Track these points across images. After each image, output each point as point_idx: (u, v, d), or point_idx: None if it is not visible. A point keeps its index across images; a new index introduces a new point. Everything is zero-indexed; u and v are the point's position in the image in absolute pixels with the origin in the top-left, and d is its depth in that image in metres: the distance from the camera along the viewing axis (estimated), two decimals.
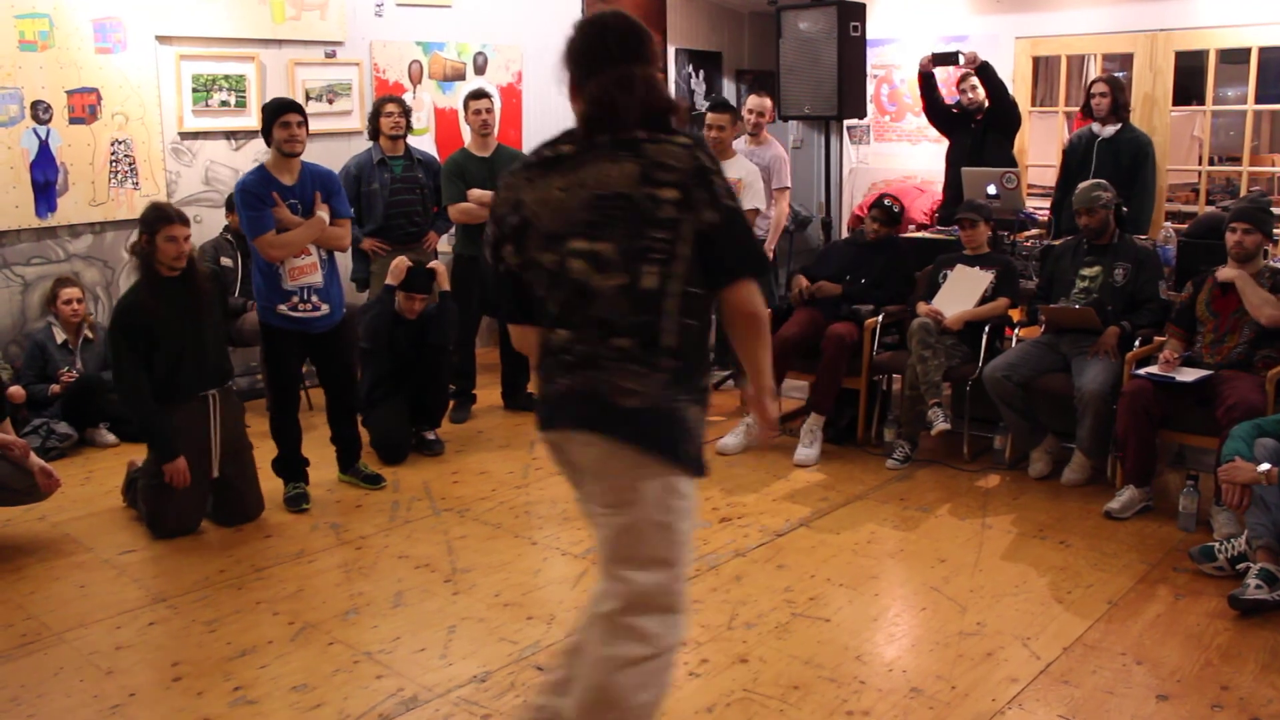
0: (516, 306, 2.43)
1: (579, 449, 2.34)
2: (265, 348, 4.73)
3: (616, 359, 2.24)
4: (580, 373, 2.28)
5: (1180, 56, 7.23)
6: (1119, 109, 5.91)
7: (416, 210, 6.15)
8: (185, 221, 4.29)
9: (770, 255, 6.42)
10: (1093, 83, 6.10)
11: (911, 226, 7.51)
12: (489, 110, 5.87)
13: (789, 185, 6.43)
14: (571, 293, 2.27)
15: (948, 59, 6.57)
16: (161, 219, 4.20)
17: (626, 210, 2.22)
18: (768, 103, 6.50)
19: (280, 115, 4.47)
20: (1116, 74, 7.07)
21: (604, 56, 2.31)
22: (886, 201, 5.67)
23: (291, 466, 4.80)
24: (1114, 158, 5.83)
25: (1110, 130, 5.90)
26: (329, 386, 4.92)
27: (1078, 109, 6.38)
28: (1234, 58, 7.26)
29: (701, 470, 2.33)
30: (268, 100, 4.85)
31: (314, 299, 4.62)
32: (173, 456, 4.27)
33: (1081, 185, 5.10)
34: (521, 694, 3.15)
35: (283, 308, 4.58)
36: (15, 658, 3.43)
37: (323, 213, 4.59)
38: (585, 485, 2.39)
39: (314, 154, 5.54)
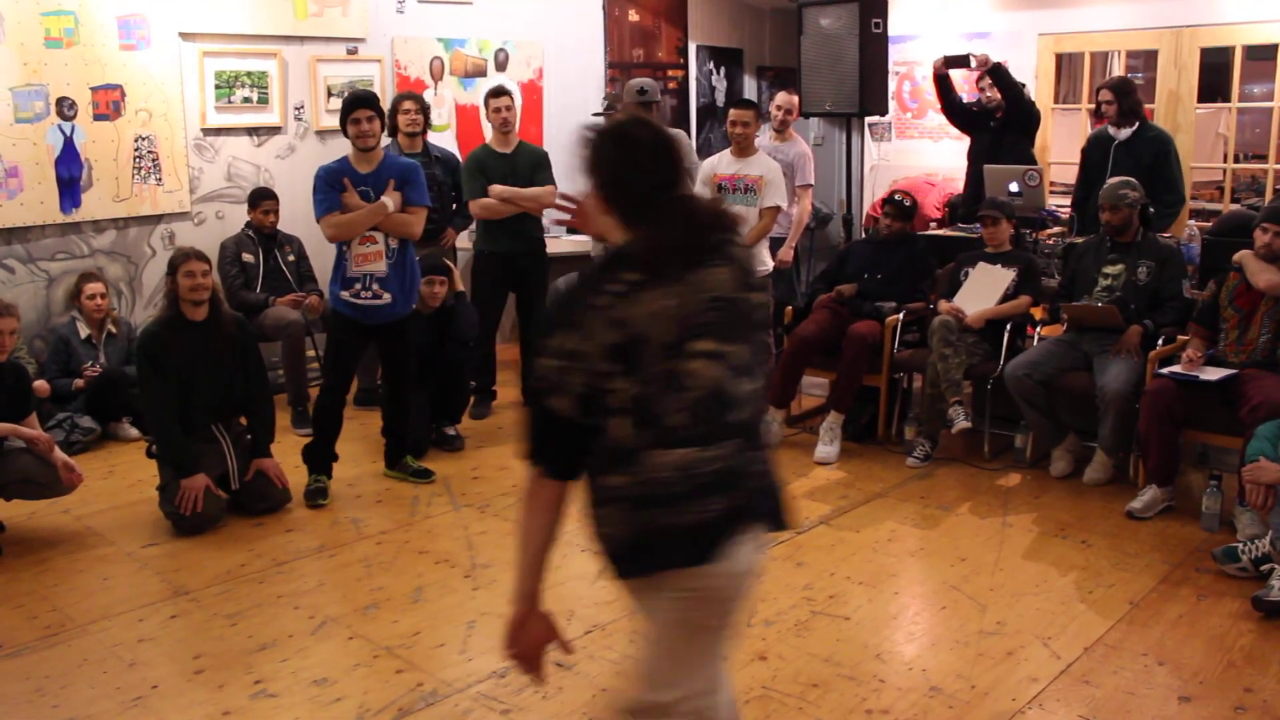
0: (565, 459, 2.09)
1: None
2: (331, 332, 4.85)
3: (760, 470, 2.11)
4: (732, 491, 2.04)
5: (1205, 53, 7.16)
6: (1128, 112, 5.80)
7: (434, 207, 6.15)
8: (204, 259, 4.46)
9: (791, 253, 6.41)
10: (1098, 90, 6.01)
11: (932, 224, 7.48)
12: (509, 108, 5.87)
13: (812, 183, 6.42)
14: (703, 400, 2.03)
15: (960, 62, 6.56)
16: (180, 257, 4.41)
17: (735, 313, 2.09)
18: (795, 100, 6.49)
19: (351, 111, 4.54)
20: (1127, 76, 6.99)
21: (649, 181, 2.12)
22: (897, 197, 5.65)
23: (320, 457, 4.80)
24: (1134, 158, 5.74)
25: (1126, 133, 5.80)
26: (388, 376, 4.98)
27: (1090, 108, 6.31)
28: (1260, 54, 7.19)
29: None
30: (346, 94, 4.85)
31: (375, 287, 4.64)
32: (192, 473, 4.35)
33: (1110, 181, 5.06)
34: (541, 690, 3.16)
35: (345, 294, 4.62)
36: (40, 649, 3.46)
37: (389, 199, 4.61)
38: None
39: (334, 151, 5.58)
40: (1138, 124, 5.81)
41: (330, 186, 4.53)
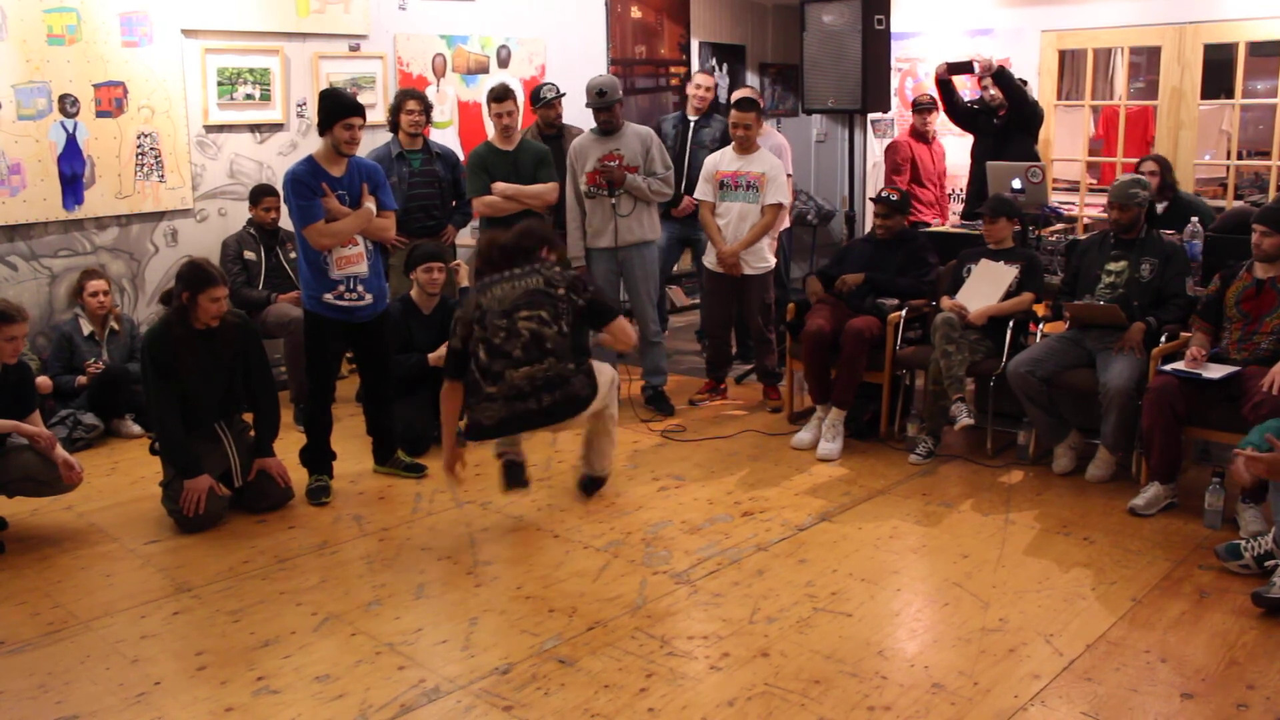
0: (459, 370, 4.08)
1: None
2: (308, 336, 4.78)
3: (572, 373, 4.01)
4: (548, 392, 3.97)
5: (1209, 49, 7.16)
6: (1166, 188, 5.74)
7: (435, 204, 6.16)
8: (226, 280, 4.45)
9: (775, 244, 6.34)
10: (1142, 161, 5.93)
11: (935, 222, 7.47)
12: (511, 114, 5.87)
13: (790, 173, 6.36)
14: (529, 341, 3.94)
15: (963, 68, 6.56)
16: (206, 281, 4.31)
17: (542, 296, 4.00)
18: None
19: (346, 117, 4.50)
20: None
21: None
22: (884, 193, 5.61)
23: (319, 458, 4.82)
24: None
25: (1160, 207, 5.61)
26: (367, 375, 4.97)
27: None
28: (1264, 50, 7.19)
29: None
30: (328, 89, 4.73)
31: (359, 288, 4.67)
32: (196, 474, 4.35)
33: (1121, 179, 5.05)
34: (543, 686, 3.16)
35: (328, 297, 4.62)
36: (43, 645, 3.47)
37: (370, 204, 4.64)
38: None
39: None
40: (1168, 201, 5.73)
41: (313, 192, 4.49)
